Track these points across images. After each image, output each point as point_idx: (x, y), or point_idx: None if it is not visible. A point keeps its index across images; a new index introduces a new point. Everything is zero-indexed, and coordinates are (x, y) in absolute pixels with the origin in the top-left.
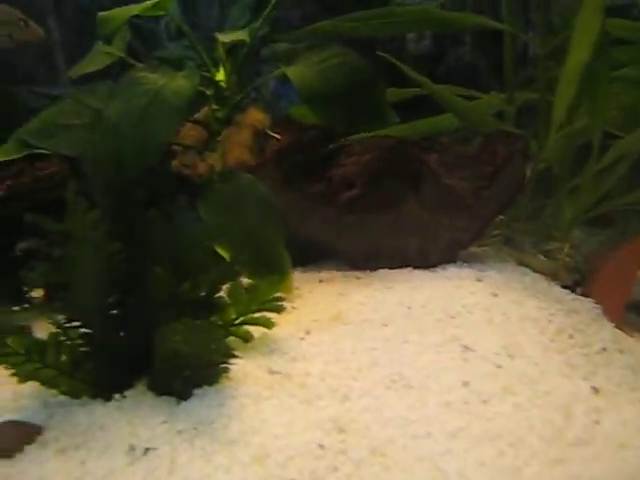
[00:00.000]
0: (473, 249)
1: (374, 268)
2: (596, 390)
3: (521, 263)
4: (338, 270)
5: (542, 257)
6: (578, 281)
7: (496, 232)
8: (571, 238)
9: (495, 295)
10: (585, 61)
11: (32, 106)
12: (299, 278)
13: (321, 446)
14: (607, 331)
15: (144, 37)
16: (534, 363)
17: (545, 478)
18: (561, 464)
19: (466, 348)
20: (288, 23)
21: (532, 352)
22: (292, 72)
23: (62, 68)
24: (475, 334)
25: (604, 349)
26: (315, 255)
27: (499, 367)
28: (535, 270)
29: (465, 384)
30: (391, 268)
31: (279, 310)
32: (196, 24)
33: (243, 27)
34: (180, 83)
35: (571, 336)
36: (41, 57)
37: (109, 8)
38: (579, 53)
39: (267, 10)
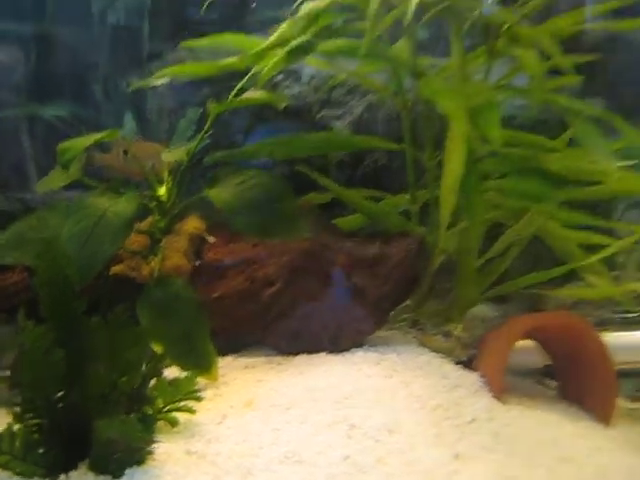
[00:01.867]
0: (382, 333)
1: (295, 353)
2: (457, 456)
3: (422, 344)
4: (265, 356)
5: (441, 337)
6: (473, 356)
7: (404, 316)
8: (471, 317)
9: (389, 377)
10: (458, 174)
11: (6, 209)
12: (229, 365)
13: None
14: (482, 402)
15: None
16: (409, 436)
17: None
18: None
19: (353, 426)
20: (229, 133)
21: (409, 427)
22: (213, 194)
23: (33, 177)
24: (363, 413)
25: (474, 419)
26: (249, 342)
27: (377, 441)
28: (433, 350)
29: (346, 458)
30: (309, 353)
31: (199, 399)
32: (147, 136)
33: (189, 139)
34: (122, 206)
35: (447, 409)
36: (15, 166)
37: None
38: (453, 168)
39: (206, 127)
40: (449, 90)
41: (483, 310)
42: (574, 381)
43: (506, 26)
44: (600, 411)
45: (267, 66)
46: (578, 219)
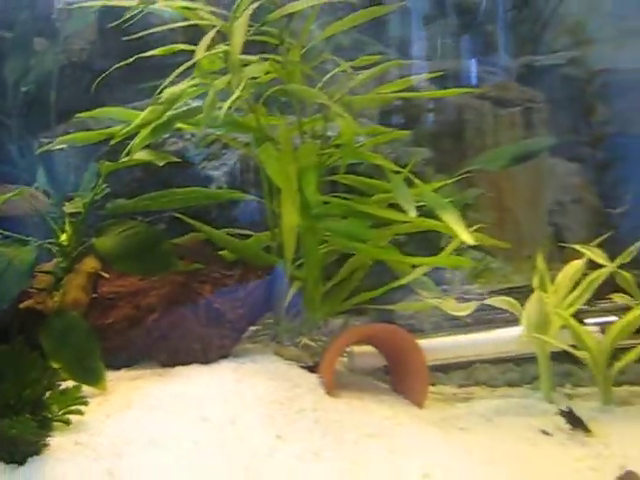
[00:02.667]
0: (248, 345)
1: (173, 365)
2: (279, 437)
3: (276, 353)
4: (150, 369)
5: (293, 347)
6: (317, 361)
7: (266, 331)
8: (330, 329)
9: (241, 381)
10: (294, 223)
11: None
12: (120, 377)
13: None
14: (313, 397)
15: None
16: (247, 425)
17: None
18: None
19: (205, 419)
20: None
21: (248, 418)
22: (97, 242)
23: None
24: (215, 410)
25: (302, 409)
26: (138, 358)
27: (221, 430)
28: (285, 358)
29: (196, 442)
30: (185, 365)
31: (85, 404)
32: (55, 187)
33: (92, 189)
34: (25, 255)
35: (282, 404)
36: None
37: None
38: (289, 217)
39: (99, 183)
40: (277, 157)
41: (341, 323)
42: (399, 376)
43: (338, 95)
44: (415, 397)
45: (138, 140)
46: (389, 254)
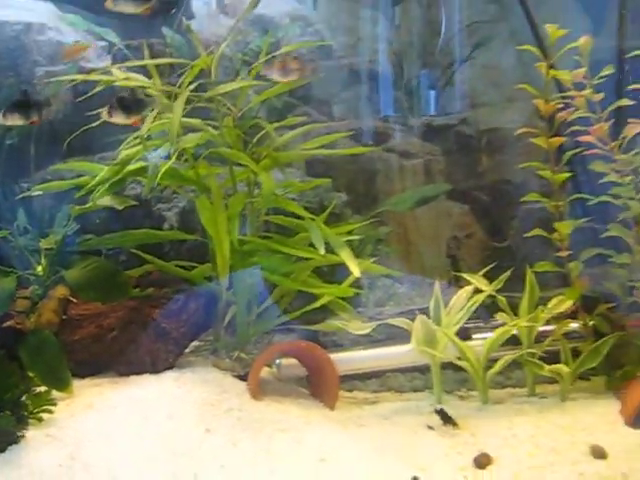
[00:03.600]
0: (191, 358)
1: (128, 375)
2: (208, 430)
3: (214, 365)
4: (110, 377)
5: (228, 360)
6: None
7: (207, 347)
8: (254, 345)
9: (181, 387)
10: (226, 258)
11: None
12: (84, 384)
13: (60, 465)
14: (239, 400)
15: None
16: (182, 421)
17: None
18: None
19: (149, 417)
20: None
21: (184, 416)
22: (67, 274)
23: None
24: (158, 410)
25: (229, 409)
26: (101, 369)
27: (160, 425)
28: (221, 369)
29: (138, 434)
30: (138, 374)
31: (54, 404)
32: (33, 226)
33: (65, 228)
34: (7, 284)
35: (212, 405)
36: None
37: None
38: (222, 254)
39: (68, 223)
40: (209, 207)
41: (276, 339)
42: (316, 383)
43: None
44: (328, 401)
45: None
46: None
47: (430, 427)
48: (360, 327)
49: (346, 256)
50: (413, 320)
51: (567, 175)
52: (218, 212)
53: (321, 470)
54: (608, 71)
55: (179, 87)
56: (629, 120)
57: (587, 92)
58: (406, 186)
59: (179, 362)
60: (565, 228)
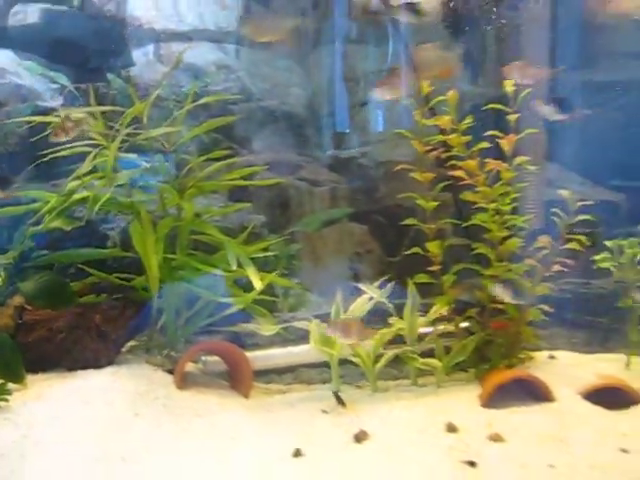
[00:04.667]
0: (128, 356)
1: (75, 370)
2: (137, 414)
3: (147, 362)
4: (59, 372)
5: (159, 357)
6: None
7: (142, 346)
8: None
9: (115, 381)
10: (156, 274)
11: None
12: (37, 378)
13: (14, 442)
14: (166, 390)
15: None
16: (117, 407)
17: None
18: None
19: (89, 403)
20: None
21: (118, 403)
22: (22, 285)
23: None
24: (96, 398)
25: (156, 398)
26: (53, 365)
27: (99, 410)
28: (153, 365)
29: (82, 417)
30: (83, 369)
31: (10, 394)
32: None
33: (20, 245)
34: None
35: (142, 395)
36: None
37: None
38: (152, 270)
39: (23, 241)
40: (139, 230)
41: (203, 339)
42: (234, 377)
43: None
44: (243, 391)
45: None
46: None
47: (325, 411)
48: (269, 329)
49: (250, 271)
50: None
51: (436, 203)
52: (147, 234)
53: (230, 446)
54: (469, 120)
55: (117, 130)
56: (487, 160)
57: (453, 136)
58: (315, 209)
59: (118, 359)
60: (434, 247)
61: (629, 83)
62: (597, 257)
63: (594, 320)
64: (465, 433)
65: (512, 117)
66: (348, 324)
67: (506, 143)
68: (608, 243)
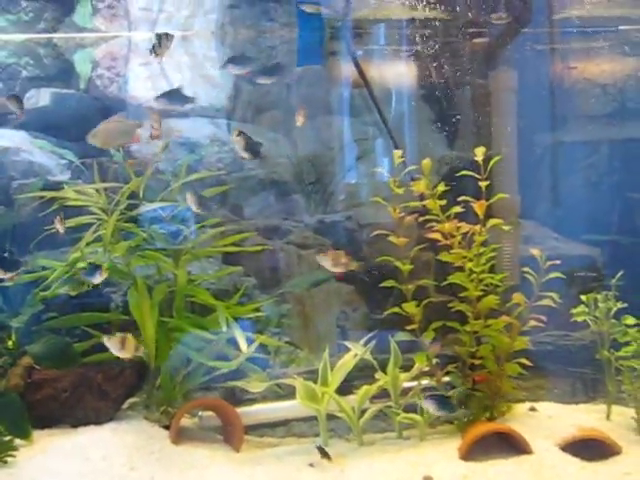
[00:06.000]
0: (128, 412)
1: (77, 426)
2: (133, 468)
3: (145, 418)
4: (62, 429)
5: (157, 413)
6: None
7: (142, 403)
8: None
9: (116, 435)
10: (152, 336)
11: None
12: (43, 433)
13: None
14: (161, 444)
15: None
16: (116, 460)
17: None
18: None
19: (89, 458)
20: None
21: (115, 458)
22: (30, 348)
23: None
24: (95, 453)
25: (152, 452)
26: (58, 421)
27: (97, 464)
28: (150, 420)
29: (80, 472)
30: (84, 426)
31: (16, 450)
32: (7, 306)
33: (31, 309)
34: None
35: (139, 448)
36: None
37: None
38: (148, 332)
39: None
40: (135, 296)
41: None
42: (227, 431)
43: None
44: (235, 445)
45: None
46: None
47: (311, 464)
48: (257, 386)
49: (237, 334)
50: (309, 379)
51: (410, 266)
52: (142, 300)
53: None
54: (441, 186)
55: (115, 204)
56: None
57: (428, 201)
58: (303, 271)
59: (118, 415)
60: (410, 307)
61: (597, 143)
62: (574, 310)
63: (575, 371)
64: None
65: (483, 183)
66: (337, 254)
67: (478, 207)
68: (583, 297)
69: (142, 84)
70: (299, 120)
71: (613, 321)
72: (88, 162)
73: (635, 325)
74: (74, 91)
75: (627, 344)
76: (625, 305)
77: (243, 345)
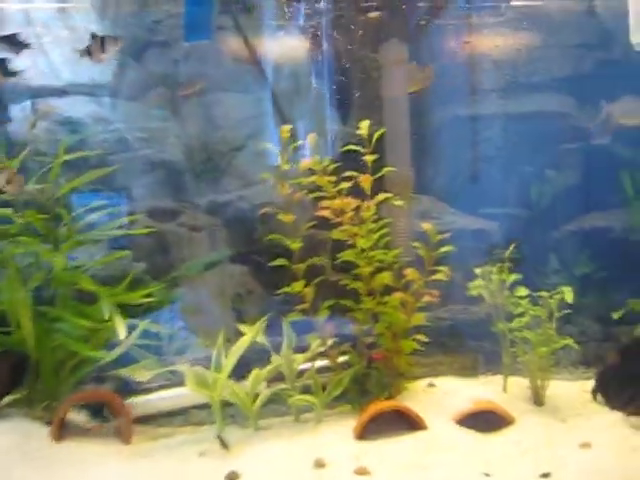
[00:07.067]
0: (11, 409)
1: None
2: (7, 469)
3: (26, 415)
4: None
5: (39, 410)
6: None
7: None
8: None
9: None
10: (30, 331)
11: None
12: None
13: None
14: (39, 442)
15: None
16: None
17: None
18: None
19: None
20: None
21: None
22: None
23: None
24: None
25: (28, 451)
26: None
27: None
28: (31, 417)
29: None
30: None
31: None
32: None
33: None
34: None
35: (15, 448)
36: None
37: None
38: (25, 327)
39: None
40: (9, 286)
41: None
42: (117, 424)
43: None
44: (124, 438)
45: None
46: None
47: (202, 454)
48: (143, 374)
49: (117, 321)
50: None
51: (300, 244)
52: (16, 288)
53: None
54: (327, 162)
55: None
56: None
57: (315, 177)
58: (195, 254)
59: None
60: (298, 287)
61: (492, 117)
62: (470, 284)
63: (474, 345)
64: (333, 467)
65: (369, 158)
66: None
67: (364, 182)
68: (477, 270)
69: (21, 61)
70: (184, 93)
71: (507, 293)
72: None
73: (527, 296)
74: None
75: (521, 315)
76: (519, 277)
77: (122, 332)
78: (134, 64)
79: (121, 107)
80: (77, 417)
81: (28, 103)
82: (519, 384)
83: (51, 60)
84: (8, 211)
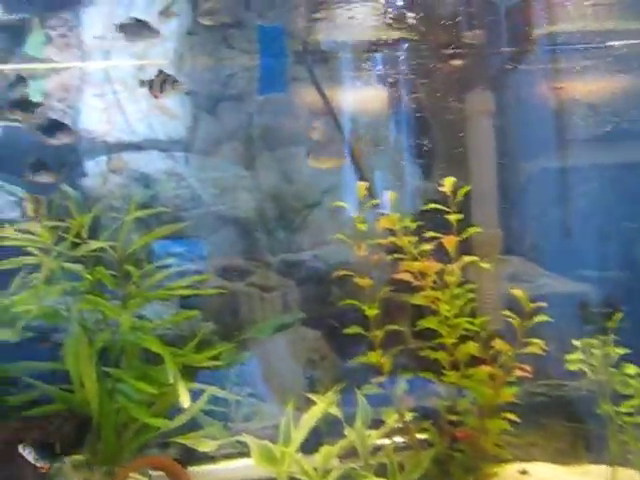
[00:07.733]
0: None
1: None
2: None
3: (85, 478)
4: None
5: (98, 473)
6: None
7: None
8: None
9: None
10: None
11: None
12: None
13: None
14: None
15: None
16: None
17: None
18: None
19: None
20: None
21: None
22: None
23: None
24: None
25: None
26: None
27: None
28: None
29: None
30: None
31: None
32: None
33: None
34: None
35: None
36: None
37: None
38: (90, 387)
39: None
40: (74, 346)
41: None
42: None
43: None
44: None
45: None
46: None
47: None
48: (207, 445)
49: (180, 388)
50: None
51: (377, 311)
52: (81, 348)
53: None
54: (408, 221)
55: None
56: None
57: (395, 238)
58: (266, 315)
59: (60, 474)
60: (375, 357)
61: (590, 169)
62: (568, 357)
63: (573, 427)
64: None
65: (453, 217)
66: None
67: (447, 243)
68: (577, 342)
69: (96, 116)
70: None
71: (612, 370)
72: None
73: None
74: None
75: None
76: (628, 351)
77: (185, 401)
78: (208, 118)
79: (194, 162)
80: None
81: (103, 158)
82: (629, 478)
83: (127, 116)
84: (78, 267)
